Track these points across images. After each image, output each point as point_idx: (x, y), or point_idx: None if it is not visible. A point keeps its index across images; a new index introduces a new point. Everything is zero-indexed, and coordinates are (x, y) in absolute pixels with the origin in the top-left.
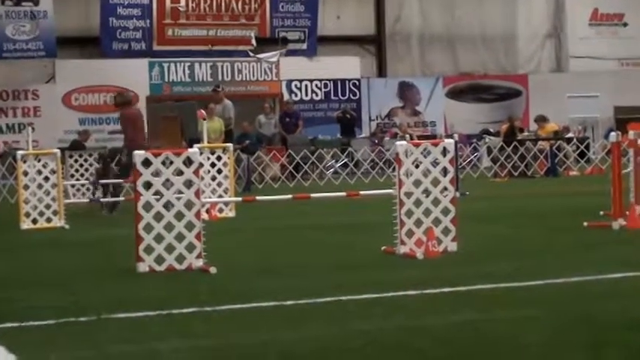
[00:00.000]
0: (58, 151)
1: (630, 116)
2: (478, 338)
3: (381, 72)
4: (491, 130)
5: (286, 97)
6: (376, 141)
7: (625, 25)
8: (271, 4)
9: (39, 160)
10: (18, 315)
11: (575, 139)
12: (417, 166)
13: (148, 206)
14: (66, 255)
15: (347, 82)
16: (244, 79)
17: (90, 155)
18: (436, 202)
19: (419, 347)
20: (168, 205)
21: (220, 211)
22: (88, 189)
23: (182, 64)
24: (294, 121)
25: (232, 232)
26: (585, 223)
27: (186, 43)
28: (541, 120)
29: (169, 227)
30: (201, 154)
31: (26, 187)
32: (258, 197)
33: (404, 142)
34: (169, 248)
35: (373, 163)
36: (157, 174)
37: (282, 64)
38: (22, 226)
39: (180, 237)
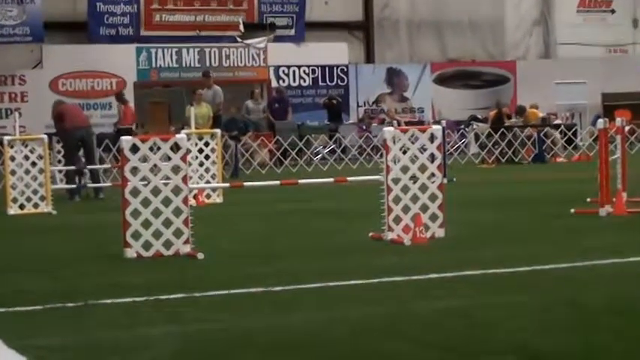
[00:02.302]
0: (45, 136)
1: (618, 103)
2: (466, 324)
3: (369, 58)
4: (479, 116)
5: (274, 83)
6: (364, 127)
7: (613, 12)
8: None
9: (26, 146)
10: (5, 300)
11: (562, 126)
12: (404, 153)
13: (135, 192)
14: (53, 240)
15: (335, 68)
16: (232, 64)
17: None
18: (424, 188)
19: (407, 333)
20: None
21: (208, 196)
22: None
23: (170, 49)
24: (284, 106)
25: (220, 217)
26: (572, 210)
27: (174, 28)
28: (521, 111)
29: (157, 213)
30: (188, 139)
31: (13, 172)
32: (245, 183)
33: (391, 129)
34: (157, 234)
35: (361, 149)
36: (144, 159)
37: (270, 50)
38: (9, 212)
39: (167, 223)
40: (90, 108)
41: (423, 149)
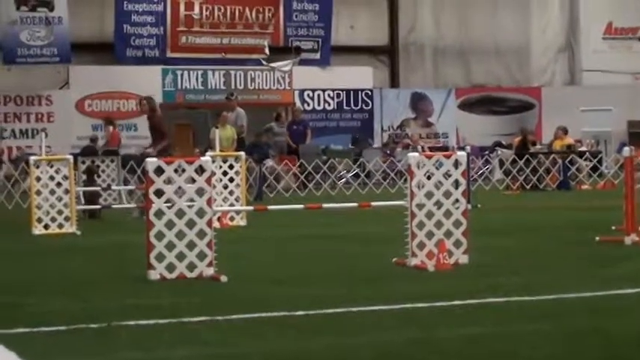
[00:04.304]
0: (70, 157)
1: None
2: (489, 352)
3: (394, 83)
4: (504, 142)
5: (298, 106)
6: (388, 152)
7: (639, 39)
8: (285, 13)
9: (52, 166)
10: (29, 320)
11: (587, 153)
12: (429, 178)
13: (159, 214)
14: (77, 261)
15: (360, 92)
16: (257, 87)
17: (102, 161)
18: (448, 214)
19: None
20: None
21: (232, 219)
22: (99, 195)
23: (195, 71)
24: (302, 129)
25: (243, 240)
26: (597, 238)
27: (200, 50)
28: (563, 131)
29: (181, 235)
30: (213, 162)
31: (39, 192)
32: (269, 206)
33: (416, 154)
34: (180, 256)
35: (385, 173)
36: (169, 181)
37: (295, 74)
38: (33, 232)
39: (191, 245)
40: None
41: (447, 175)
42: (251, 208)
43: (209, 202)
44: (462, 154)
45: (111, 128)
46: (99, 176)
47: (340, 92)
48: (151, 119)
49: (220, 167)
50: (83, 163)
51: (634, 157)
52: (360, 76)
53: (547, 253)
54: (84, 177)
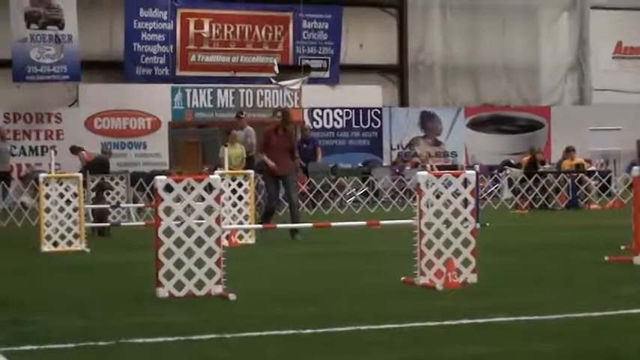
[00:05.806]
0: (80, 174)
1: None
2: None
3: (403, 101)
4: (513, 161)
5: (307, 124)
6: (397, 170)
7: None
8: (294, 32)
9: (61, 184)
10: (37, 338)
11: (596, 173)
12: (437, 197)
13: (168, 232)
14: (86, 278)
15: (369, 110)
16: (266, 105)
17: (112, 179)
18: (456, 233)
19: None
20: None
21: (240, 237)
22: (108, 212)
23: (204, 90)
24: (312, 147)
25: (252, 259)
26: (606, 258)
27: (209, 69)
28: (572, 151)
29: (189, 253)
30: (222, 180)
31: (48, 210)
32: (278, 225)
33: (425, 173)
34: (189, 274)
35: (394, 192)
36: (178, 199)
37: (305, 92)
38: (42, 249)
39: (200, 263)
40: (124, 147)
41: (456, 194)
42: (260, 226)
43: (218, 220)
44: (470, 173)
45: (84, 153)
46: (108, 194)
47: (349, 111)
48: (290, 132)
49: (229, 185)
50: (93, 181)
51: None
52: (369, 94)
53: (555, 272)
54: (93, 194)
